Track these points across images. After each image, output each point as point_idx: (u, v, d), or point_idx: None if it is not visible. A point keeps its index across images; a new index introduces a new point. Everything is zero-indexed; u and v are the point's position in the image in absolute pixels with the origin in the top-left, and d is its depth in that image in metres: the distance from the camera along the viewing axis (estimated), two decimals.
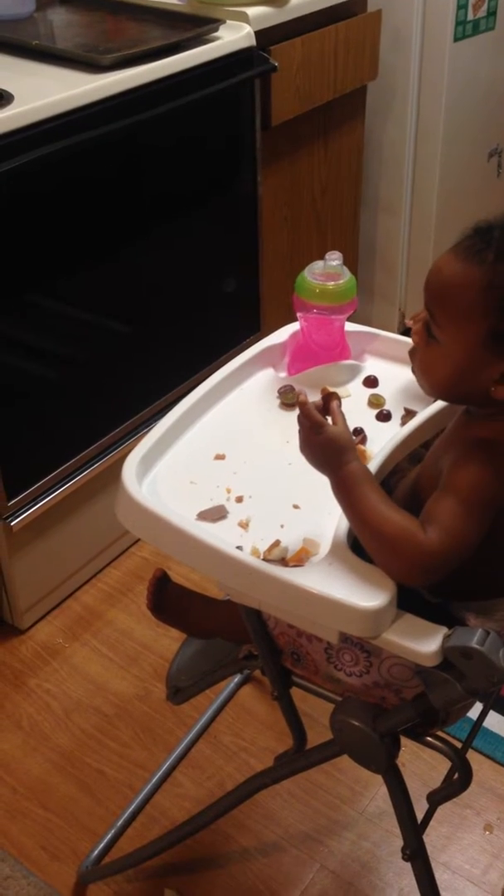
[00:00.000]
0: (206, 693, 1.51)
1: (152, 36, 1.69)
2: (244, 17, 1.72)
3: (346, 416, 1.06)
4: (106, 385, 1.71)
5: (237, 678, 1.61)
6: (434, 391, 0.90)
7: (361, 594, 0.82)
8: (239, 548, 0.89)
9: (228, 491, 0.97)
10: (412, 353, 0.90)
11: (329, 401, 0.90)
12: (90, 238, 1.58)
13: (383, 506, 0.83)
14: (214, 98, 1.66)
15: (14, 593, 1.70)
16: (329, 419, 0.88)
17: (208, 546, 0.88)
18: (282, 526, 0.93)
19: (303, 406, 0.87)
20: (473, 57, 2.20)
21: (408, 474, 1.01)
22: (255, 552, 0.90)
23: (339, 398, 0.90)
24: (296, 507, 0.96)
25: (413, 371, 0.90)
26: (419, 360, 0.88)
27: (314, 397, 1.09)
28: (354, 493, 0.84)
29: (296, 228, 2.12)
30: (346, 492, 0.85)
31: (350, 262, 2.37)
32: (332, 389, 0.95)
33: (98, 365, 1.68)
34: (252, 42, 1.72)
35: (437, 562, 0.81)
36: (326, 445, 0.86)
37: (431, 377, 0.87)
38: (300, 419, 0.87)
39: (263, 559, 0.89)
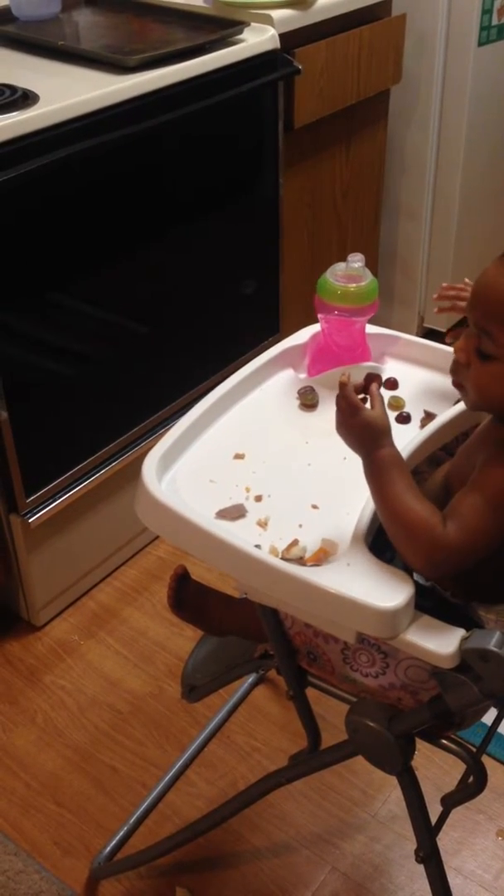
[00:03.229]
0: (219, 693, 1.52)
1: (177, 38, 1.70)
2: (269, 20, 1.73)
3: None
4: (125, 384, 1.72)
5: (251, 678, 1.61)
6: (489, 408, 0.87)
7: (379, 594, 0.82)
8: (257, 547, 0.90)
9: (248, 490, 0.98)
10: (456, 370, 0.87)
11: (370, 382, 0.89)
12: (112, 238, 1.59)
13: (408, 493, 0.83)
14: (238, 100, 1.66)
15: (31, 590, 1.71)
16: (368, 401, 0.88)
17: (227, 544, 0.88)
18: (300, 525, 0.94)
19: (343, 387, 0.87)
20: (498, 62, 2.20)
21: (427, 476, 1.01)
22: (273, 551, 0.90)
23: (380, 381, 0.90)
24: (314, 507, 0.96)
25: (459, 388, 0.88)
26: (475, 380, 0.84)
27: (334, 397, 1.10)
28: (383, 477, 0.85)
29: (317, 231, 2.12)
30: (375, 475, 0.85)
31: (370, 265, 2.36)
32: (372, 372, 0.93)
33: (117, 364, 1.69)
34: (276, 45, 1.72)
35: (451, 556, 0.81)
36: (362, 428, 0.86)
37: (490, 397, 0.84)
38: (338, 399, 0.87)
39: (282, 558, 0.89)
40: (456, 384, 0.88)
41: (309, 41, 1.83)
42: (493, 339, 0.81)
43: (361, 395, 0.89)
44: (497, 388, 0.83)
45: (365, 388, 0.89)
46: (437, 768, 1.46)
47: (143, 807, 1.45)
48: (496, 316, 0.81)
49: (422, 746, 1.00)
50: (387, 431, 0.86)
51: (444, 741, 0.99)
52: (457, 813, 1.42)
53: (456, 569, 0.82)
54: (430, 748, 1.00)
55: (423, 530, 0.81)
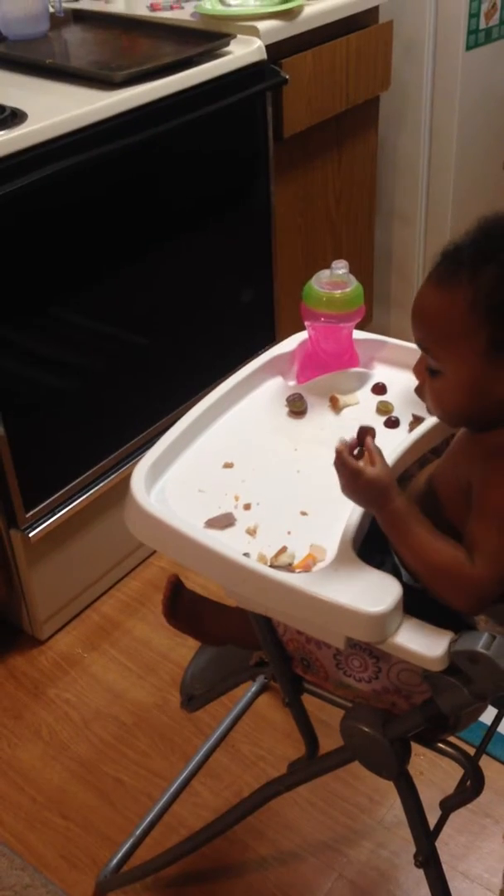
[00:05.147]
0: (223, 702, 1.52)
1: (165, 52, 1.71)
2: (255, 32, 1.74)
3: (356, 423, 1.07)
4: (122, 396, 1.73)
5: (254, 686, 1.61)
6: (454, 420, 0.90)
7: (367, 599, 0.82)
8: (246, 554, 0.90)
9: (237, 498, 0.98)
10: (419, 391, 0.90)
11: (363, 436, 0.91)
12: (105, 252, 1.60)
13: (429, 541, 0.85)
14: (227, 111, 1.67)
15: (33, 604, 1.71)
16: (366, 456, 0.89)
17: (215, 553, 0.88)
18: (289, 532, 0.94)
19: (339, 455, 0.88)
20: (487, 65, 2.21)
21: (417, 477, 1.01)
22: (262, 559, 0.91)
23: (373, 433, 0.91)
24: (303, 513, 0.96)
25: (427, 408, 0.90)
26: (431, 397, 0.88)
27: (323, 404, 1.11)
28: (400, 529, 0.86)
29: (311, 238, 2.13)
30: (393, 529, 0.87)
31: (366, 270, 2.39)
32: (365, 425, 0.94)
33: (114, 376, 1.70)
34: (263, 56, 1.73)
35: (487, 589, 0.83)
36: (366, 490, 0.88)
37: (447, 408, 0.87)
38: (337, 466, 0.89)
39: (270, 565, 0.89)
40: (427, 407, 0.90)
41: (296, 51, 1.84)
42: (432, 355, 0.84)
43: (358, 448, 0.90)
44: (447, 400, 0.86)
45: (360, 440, 0.90)
46: (442, 772, 1.46)
47: (149, 818, 1.45)
48: (430, 334, 0.84)
49: (427, 751, 1.00)
50: (391, 486, 0.87)
51: (440, 745, 0.99)
52: (463, 817, 1.42)
53: (494, 596, 0.83)
54: (435, 752, 1.00)
55: (455, 575, 0.82)
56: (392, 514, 0.86)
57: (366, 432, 0.91)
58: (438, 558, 0.83)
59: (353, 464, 0.88)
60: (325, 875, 1.37)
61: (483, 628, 0.90)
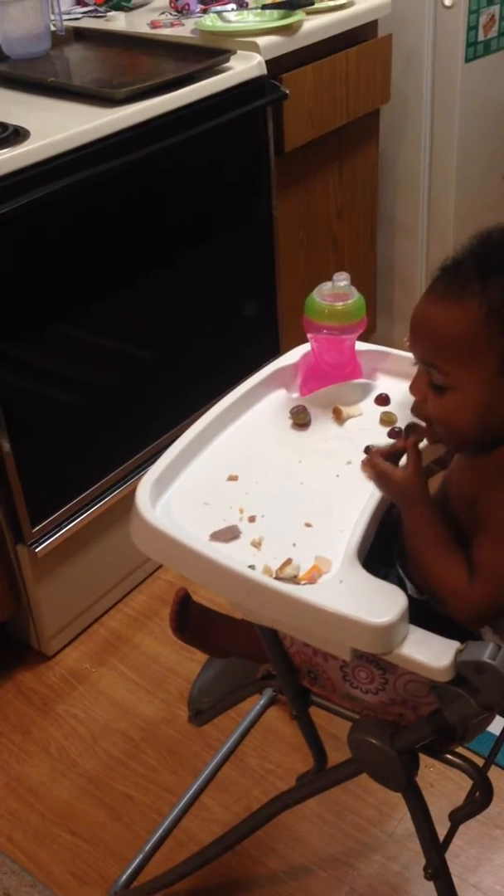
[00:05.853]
0: (232, 716, 1.52)
1: (165, 69, 1.73)
2: (255, 47, 1.76)
3: (359, 434, 1.08)
4: (127, 411, 1.73)
5: (263, 700, 1.61)
6: (464, 440, 0.87)
7: (372, 610, 0.82)
8: (251, 567, 0.90)
9: (241, 511, 0.98)
10: (418, 410, 0.88)
11: (409, 434, 0.92)
12: (109, 267, 1.61)
13: (440, 552, 0.86)
14: (227, 126, 1.69)
15: (40, 619, 1.71)
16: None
17: (220, 566, 0.88)
18: (294, 544, 0.94)
19: (370, 459, 0.91)
20: (486, 77, 2.22)
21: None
22: (267, 571, 0.90)
23: (421, 434, 0.91)
24: (308, 525, 0.96)
25: (428, 431, 0.89)
26: (437, 416, 0.85)
27: (326, 415, 1.11)
28: (417, 537, 0.89)
29: (313, 251, 2.14)
30: (411, 533, 0.89)
31: (368, 282, 2.39)
32: (413, 422, 0.93)
33: (119, 391, 1.71)
34: (263, 71, 1.74)
35: (487, 608, 0.84)
36: (393, 492, 0.91)
37: (457, 427, 0.84)
38: (367, 465, 0.91)
39: (275, 578, 0.89)
40: (428, 427, 0.89)
41: (296, 65, 1.86)
42: (440, 371, 0.82)
43: (403, 441, 0.92)
44: (461, 417, 0.83)
45: (406, 436, 0.92)
46: (452, 784, 1.45)
47: (159, 834, 1.45)
48: (436, 348, 0.83)
49: (437, 763, 0.99)
50: (418, 492, 0.88)
51: (448, 756, 0.98)
52: (474, 829, 1.41)
53: (494, 612, 0.85)
54: (444, 764, 0.99)
55: (454, 593, 0.85)
56: (412, 519, 0.88)
57: (412, 430, 0.92)
58: (441, 573, 0.85)
59: (382, 466, 0.90)
60: (336, 889, 1.37)
61: (489, 639, 0.90)
